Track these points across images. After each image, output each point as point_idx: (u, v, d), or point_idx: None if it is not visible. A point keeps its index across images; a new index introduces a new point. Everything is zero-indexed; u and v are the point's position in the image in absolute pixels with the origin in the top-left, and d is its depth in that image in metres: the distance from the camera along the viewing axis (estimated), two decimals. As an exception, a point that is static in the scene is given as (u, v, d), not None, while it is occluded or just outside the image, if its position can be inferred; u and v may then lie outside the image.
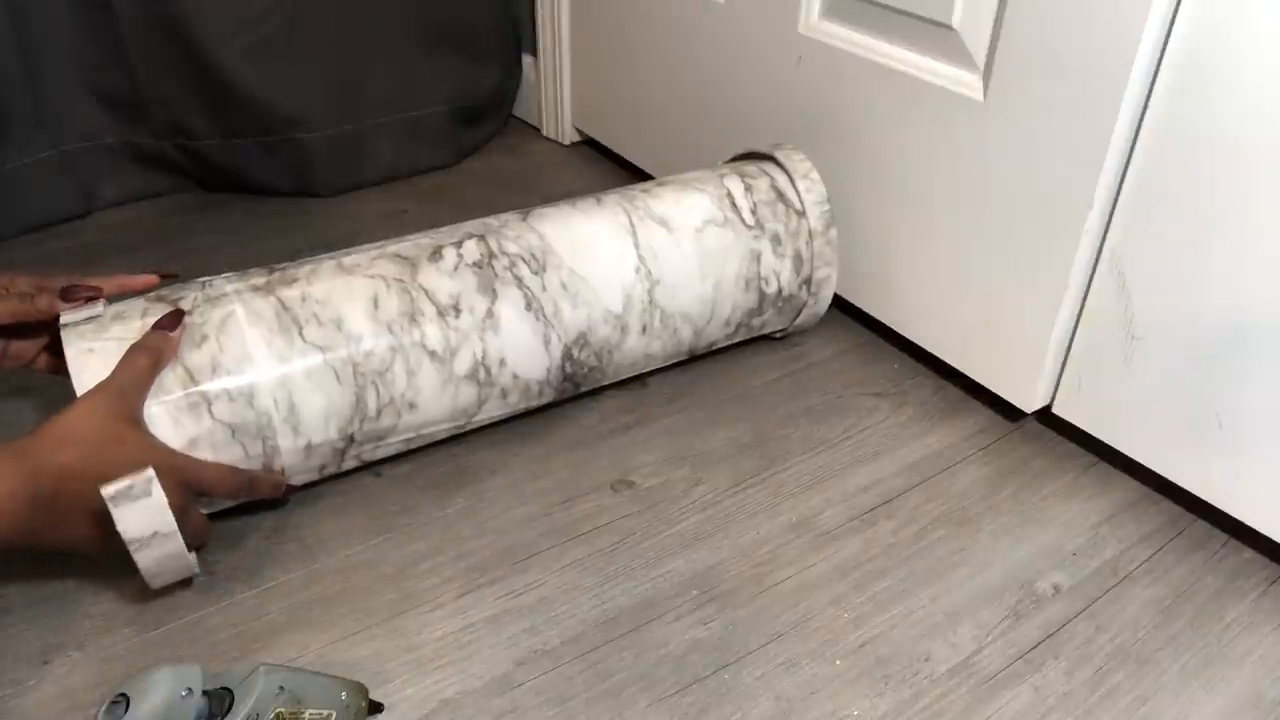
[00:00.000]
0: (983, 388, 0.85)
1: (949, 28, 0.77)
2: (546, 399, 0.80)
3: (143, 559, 0.58)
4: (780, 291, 0.86)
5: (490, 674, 0.61)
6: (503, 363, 0.74)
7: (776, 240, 0.84)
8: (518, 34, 1.38)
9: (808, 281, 0.87)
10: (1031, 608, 0.67)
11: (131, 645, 0.63)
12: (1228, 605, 0.68)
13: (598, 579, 0.68)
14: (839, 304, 0.99)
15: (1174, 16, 0.63)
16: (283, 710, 0.50)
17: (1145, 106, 0.67)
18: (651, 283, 0.79)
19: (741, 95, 1.02)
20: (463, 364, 0.72)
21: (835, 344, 0.95)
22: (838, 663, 0.63)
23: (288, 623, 0.64)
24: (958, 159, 0.80)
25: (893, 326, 0.93)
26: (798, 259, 0.85)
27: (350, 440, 0.70)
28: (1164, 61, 0.65)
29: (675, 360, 0.87)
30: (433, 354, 0.70)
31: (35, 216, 1.12)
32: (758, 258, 0.83)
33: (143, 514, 0.56)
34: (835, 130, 0.91)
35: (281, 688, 0.50)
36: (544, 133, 1.41)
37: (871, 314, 0.95)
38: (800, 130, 0.95)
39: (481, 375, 0.73)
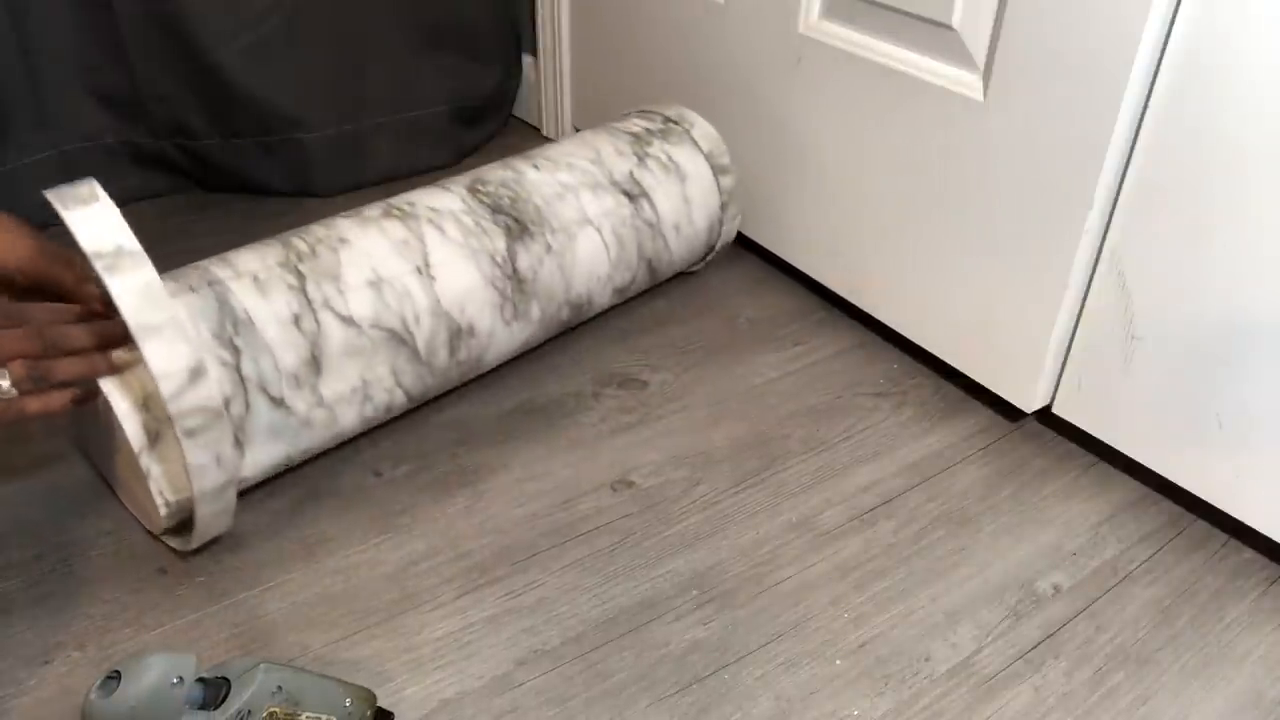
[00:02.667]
0: (983, 388, 0.85)
1: (949, 28, 0.77)
2: (486, 245, 0.80)
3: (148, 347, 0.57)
4: (649, 129, 0.95)
5: (490, 674, 0.61)
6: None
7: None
8: (518, 34, 1.38)
9: (669, 119, 0.97)
10: (1031, 608, 0.67)
11: (131, 645, 0.63)
12: (1228, 605, 0.68)
13: (598, 579, 0.68)
14: (839, 304, 0.99)
15: (1174, 17, 0.63)
16: (276, 710, 0.49)
17: (1145, 106, 0.67)
18: (538, 159, 0.89)
19: (741, 95, 1.02)
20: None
21: (835, 344, 0.95)
22: (838, 663, 0.63)
23: (288, 623, 0.64)
24: (958, 159, 0.80)
25: (893, 326, 0.93)
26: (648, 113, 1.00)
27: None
28: (1164, 62, 0.65)
29: (622, 230, 0.89)
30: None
31: (35, 217, 1.12)
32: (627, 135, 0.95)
33: (98, 222, 0.57)
34: (835, 130, 0.91)
35: (279, 687, 0.50)
36: (544, 133, 1.41)
37: (871, 314, 0.95)
38: (800, 130, 0.95)
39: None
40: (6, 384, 0.55)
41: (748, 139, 1.03)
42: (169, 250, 1.10)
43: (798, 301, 1.02)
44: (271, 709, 0.49)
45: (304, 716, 0.51)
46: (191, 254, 1.11)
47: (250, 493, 0.73)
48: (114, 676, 0.46)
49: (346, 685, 0.54)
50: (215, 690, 0.49)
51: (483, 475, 0.78)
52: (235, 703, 0.48)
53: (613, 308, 0.97)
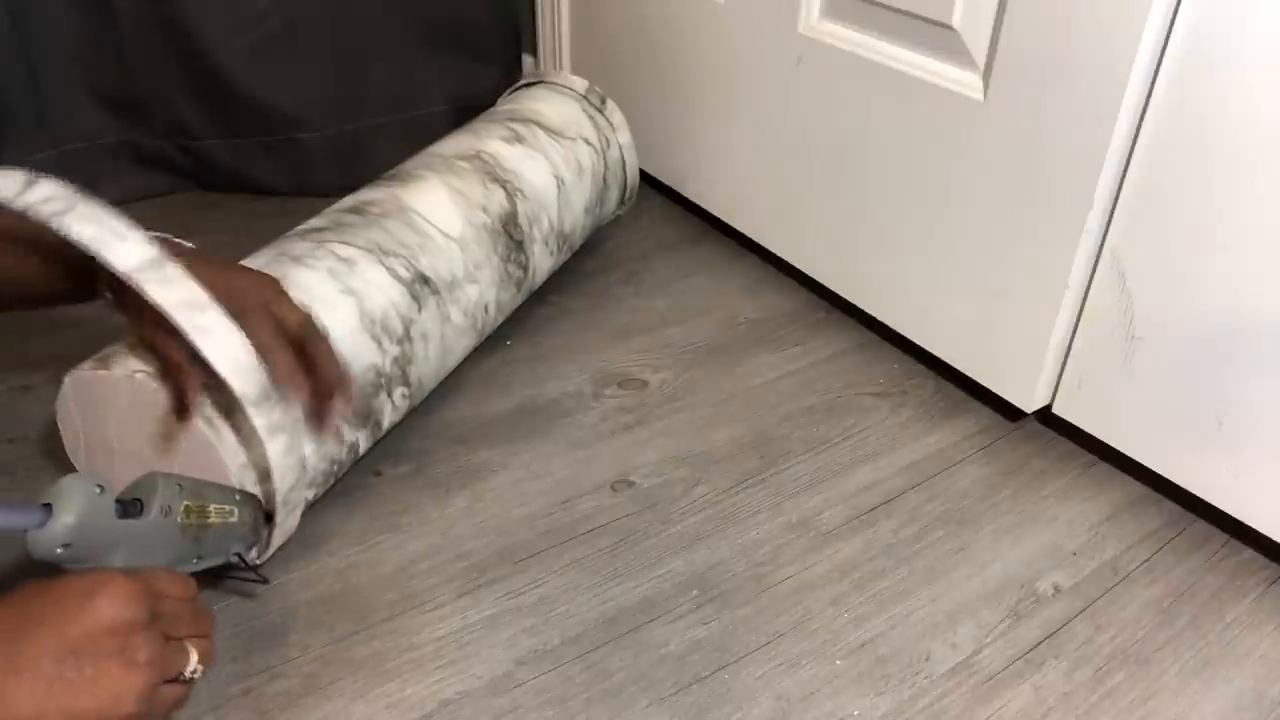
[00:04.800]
0: (983, 388, 0.85)
1: (949, 28, 0.77)
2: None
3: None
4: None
5: (490, 674, 0.61)
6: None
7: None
8: (518, 34, 1.38)
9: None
10: (1031, 608, 0.67)
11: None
12: (1228, 605, 0.68)
13: (598, 579, 0.68)
14: (838, 304, 0.99)
15: (1174, 17, 0.63)
16: (190, 503, 0.54)
17: (1145, 106, 0.67)
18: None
19: (741, 95, 1.02)
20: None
21: (835, 344, 0.95)
22: (838, 663, 0.63)
23: (288, 623, 0.64)
24: (958, 159, 0.80)
25: (893, 326, 0.93)
26: None
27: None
28: (1164, 62, 0.65)
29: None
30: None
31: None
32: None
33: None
34: (835, 130, 0.91)
35: (180, 486, 0.54)
36: (544, 133, 1.41)
37: (872, 314, 0.95)
38: (800, 130, 0.95)
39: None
40: (195, 667, 0.48)
41: (748, 139, 1.03)
42: (169, 250, 1.10)
43: (797, 301, 1.02)
44: (186, 502, 0.54)
45: (211, 507, 0.56)
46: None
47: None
48: (44, 507, 0.47)
49: (227, 485, 0.59)
50: (133, 505, 0.52)
51: (483, 475, 0.78)
52: (154, 504, 0.52)
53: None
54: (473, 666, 0.62)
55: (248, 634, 0.64)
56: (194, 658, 0.47)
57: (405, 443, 0.81)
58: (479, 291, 0.82)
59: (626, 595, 0.67)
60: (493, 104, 1.35)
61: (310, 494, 0.67)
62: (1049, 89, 0.71)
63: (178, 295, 0.54)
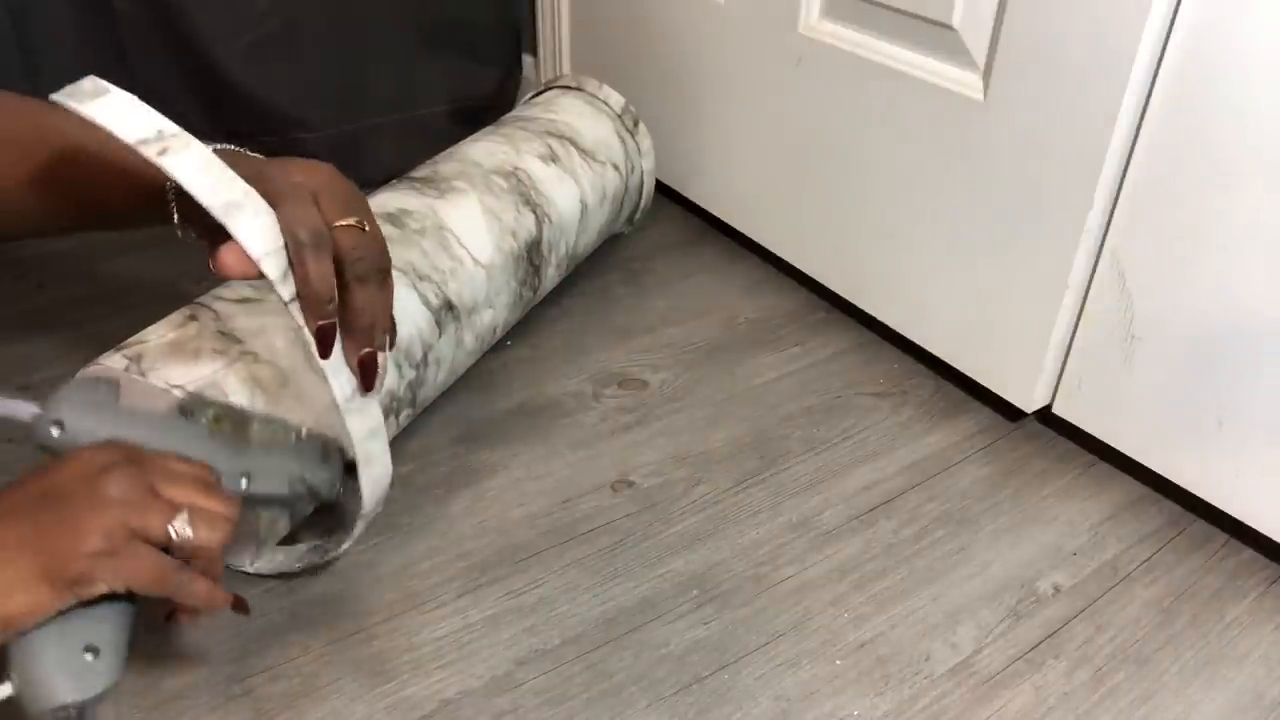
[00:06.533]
0: (983, 388, 0.85)
1: (949, 27, 0.77)
2: None
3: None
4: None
5: (490, 674, 0.61)
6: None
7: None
8: (518, 34, 1.38)
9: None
10: (1031, 608, 0.67)
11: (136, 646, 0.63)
12: (1228, 605, 0.68)
13: (598, 579, 0.68)
14: (838, 304, 0.99)
15: (1174, 16, 0.63)
16: (217, 411, 0.52)
17: (1145, 106, 0.67)
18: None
19: (741, 95, 1.02)
20: None
21: (835, 344, 0.95)
22: (838, 663, 0.63)
23: (288, 623, 0.64)
24: (958, 159, 0.80)
25: (893, 326, 0.93)
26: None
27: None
28: (1164, 61, 0.65)
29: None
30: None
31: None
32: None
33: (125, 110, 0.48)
34: (835, 130, 0.91)
35: (215, 400, 0.54)
36: (544, 133, 1.41)
37: (872, 314, 0.95)
38: (800, 130, 0.95)
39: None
40: (181, 525, 0.46)
41: (748, 139, 1.03)
42: (171, 249, 1.10)
43: (797, 301, 1.02)
44: (214, 411, 0.52)
45: (255, 424, 0.54)
46: (193, 252, 1.10)
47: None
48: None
49: (286, 421, 0.57)
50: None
51: (483, 475, 0.78)
52: (167, 401, 0.52)
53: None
54: (473, 666, 0.62)
55: (247, 634, 0.64)
56: (182, 516, 0.46)
57: (405, 443, 0.81)
58: (493, 315, 0.82)
59: (626, 595, 0.67)
60: (493, 104, 1.35)
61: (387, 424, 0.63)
62: (1049, 89, 0.71)
63: (210, 179, 0.48)
